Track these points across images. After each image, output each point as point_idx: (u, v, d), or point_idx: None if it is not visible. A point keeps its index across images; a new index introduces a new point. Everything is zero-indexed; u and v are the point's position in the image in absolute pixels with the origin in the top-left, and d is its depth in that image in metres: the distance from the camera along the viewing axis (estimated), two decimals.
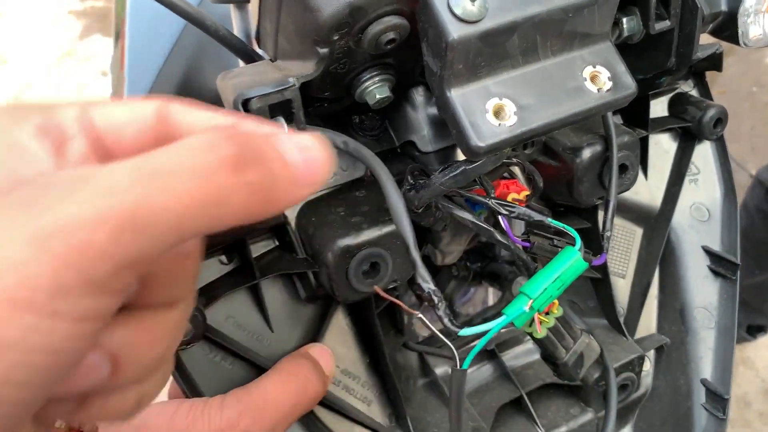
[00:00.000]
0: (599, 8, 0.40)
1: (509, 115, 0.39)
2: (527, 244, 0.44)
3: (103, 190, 0.21)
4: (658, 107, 0.62)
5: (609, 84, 0.41)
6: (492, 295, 0.74)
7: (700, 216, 0.62)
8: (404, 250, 0.40)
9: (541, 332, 0.49)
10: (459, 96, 0.39)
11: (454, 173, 0.41)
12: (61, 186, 0.21)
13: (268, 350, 0.49)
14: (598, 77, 0.41)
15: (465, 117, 0.38)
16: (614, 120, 0.58)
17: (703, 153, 0.63)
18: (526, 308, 0.38)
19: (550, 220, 0.42)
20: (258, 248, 0.49)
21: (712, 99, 0.62)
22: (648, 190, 0.61)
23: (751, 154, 2.24)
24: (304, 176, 0.25)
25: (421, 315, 0.36)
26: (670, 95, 0.62)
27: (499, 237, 0.43)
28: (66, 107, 0.26)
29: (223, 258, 0.49)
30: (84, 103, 0.27)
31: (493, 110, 0.39)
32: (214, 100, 0.37)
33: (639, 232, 0.62)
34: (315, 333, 0.51)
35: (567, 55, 0.41)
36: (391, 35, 0.39)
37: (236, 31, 0.52)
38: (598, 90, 0.41)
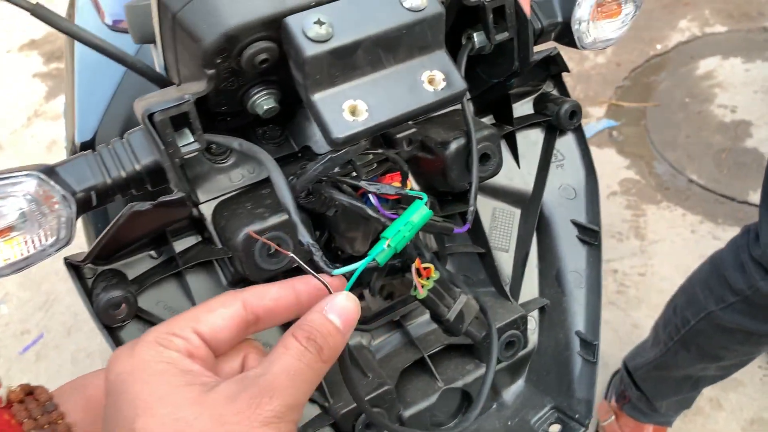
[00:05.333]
0: (429, 25, 0.51)
1: (362, 112, 0.50)
2: (395, 216, 0.54)
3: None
4: (526, 107, 0.73)
5: (443, 84, 0.52)
6: None
7: (568, 195, 0.73)
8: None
9: (422, 293, 0.59)
10: (320, 99, 0.49)
11: (323, 161, 0.51)
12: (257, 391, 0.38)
13: None
14: (434, 79, 0.52)
15: (326, 116, 0.49)
16: (485, 119, 0.69)
17: (567, 142, 0.74)
18: (386, 246, 0.47)
19: (407, 190, 0.52)
20: (184, 243, 0.59)
21: (569, 96, 0.73)
22: (521, 177, 0.72)
23: (688, 161, 2.39)
24: (347, 330, 0.43)
25: (293, 255, 0.46)
26: (534, 96, 0.73)
27: (370, 212, 0.53)
28: (182, 329, 0.43)
29: (153, 253, 0.58)
30: (192, 319, 0.44)
31: (349, 109, 0.50)
32: None
33: (517, 212, 0.72)
34: None
35: (408, 63, 0.52)
36: (263, 56, 0.50)
37: (156, 65, 0.63)
38: (434, 90, 0.52)
